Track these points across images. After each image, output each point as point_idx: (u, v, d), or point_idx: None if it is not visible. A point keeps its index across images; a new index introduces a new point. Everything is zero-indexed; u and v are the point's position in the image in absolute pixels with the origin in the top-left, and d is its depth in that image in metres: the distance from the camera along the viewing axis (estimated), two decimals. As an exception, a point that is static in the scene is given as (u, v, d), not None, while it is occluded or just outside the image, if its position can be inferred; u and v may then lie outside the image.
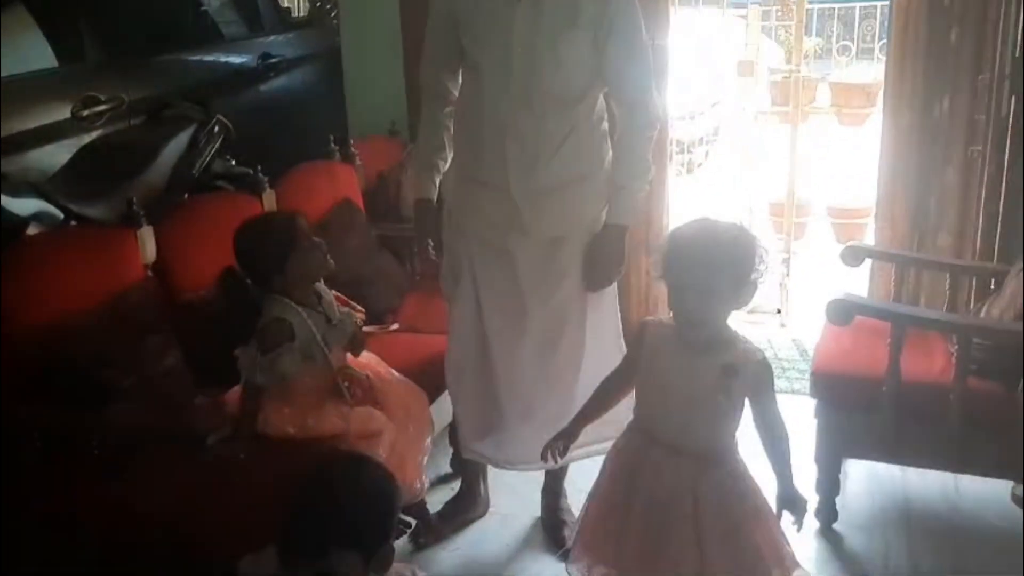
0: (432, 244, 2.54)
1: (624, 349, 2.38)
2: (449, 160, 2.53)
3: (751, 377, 1.86)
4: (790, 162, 4.43)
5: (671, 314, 1.91)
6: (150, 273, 2.43)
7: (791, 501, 1.88)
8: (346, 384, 2.29)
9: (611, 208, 2.38)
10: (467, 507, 2.75)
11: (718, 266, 1.81)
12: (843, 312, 2.48)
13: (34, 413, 1.98)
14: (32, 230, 2.52)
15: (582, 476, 2.70)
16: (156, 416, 2.05)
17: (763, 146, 5.23)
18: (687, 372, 1.86)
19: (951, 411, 2.40)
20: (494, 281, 2.44)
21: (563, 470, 2.66)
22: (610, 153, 2.43)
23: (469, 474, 2.77)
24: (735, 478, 1.94)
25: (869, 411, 2.49)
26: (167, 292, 2.44)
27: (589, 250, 2.40)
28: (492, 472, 2.76)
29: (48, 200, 2.55)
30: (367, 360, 2.47)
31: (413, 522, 2.60)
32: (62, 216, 2.60)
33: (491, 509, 2.79)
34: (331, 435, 2.21)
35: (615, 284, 2.50)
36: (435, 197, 2.57)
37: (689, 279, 1.82)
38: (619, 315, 2.56)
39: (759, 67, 4.93)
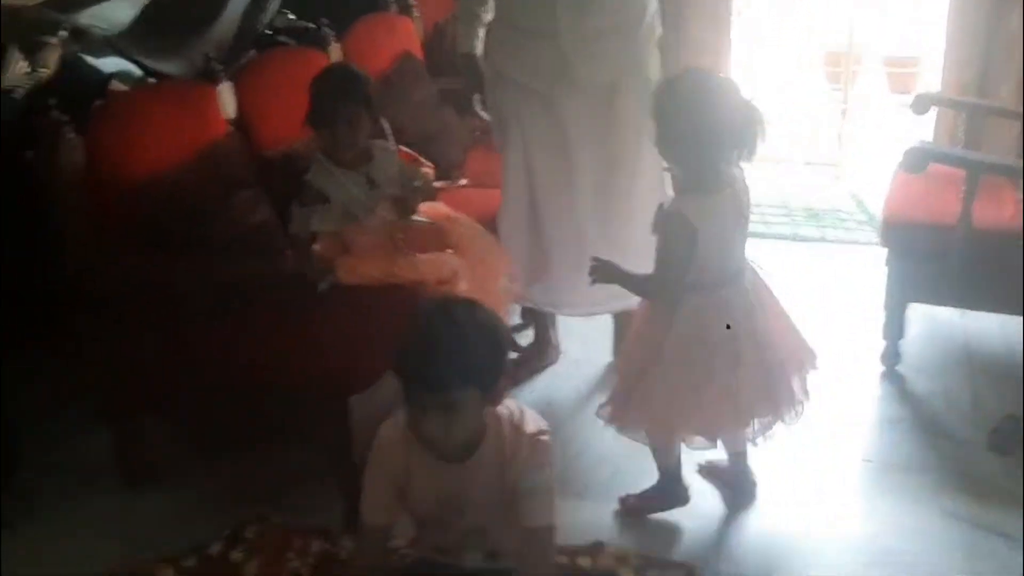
0: (479, 99, 2.56)
1: None
2: (491, 9, 2.51)
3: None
4: (850, 8, 4.31)
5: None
6: (232, 128, 2.46)
7: None
8: (400, 236, 2.34)
9: None
10: (539, 354, 2.86)
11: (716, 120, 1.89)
12: (920, 160, 2.49)
13: (137, 262, 2.06)
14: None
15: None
16: (255, 265, 2.12)
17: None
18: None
19: (1019, 255, 2.44)
20: (541, 132, 2.46)
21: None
22: (655, 2, 2.41)
23: (539, 323, 2.87)
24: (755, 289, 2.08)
25: (939, 257, 2.53)
26: (250, 147, 2.48)
27: None
28: (565, 321, 2.86)
29: (124, 56, 2.57)
30: (433, 208, 2.52)
31: None
32: (140, 73, 2.61)
33: (563, 355, 2.89)
34: (411, 281, 2.29)
35: None
36: (478, 49, 2.57)
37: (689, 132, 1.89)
38: None
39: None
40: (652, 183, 2.48)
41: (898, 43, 5.63)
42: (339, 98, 2.26)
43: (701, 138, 1.92)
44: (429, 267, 2.31)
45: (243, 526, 2.10)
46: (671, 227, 1.97)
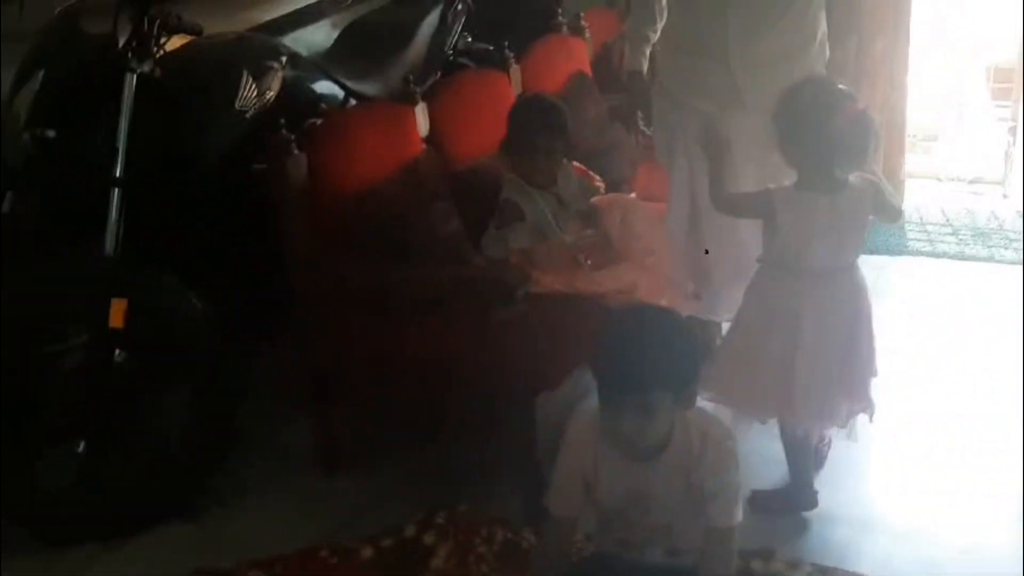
0: (642, 117, 2.66)
1: None
2: (659, 31, 2.61)
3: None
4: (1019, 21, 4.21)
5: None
6: (427, 145, 2.67)
7: None
8: (583, 256, 2.49)
9: None
10: None
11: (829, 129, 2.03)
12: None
13: (353, 269, 2.28)
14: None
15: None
16: (453, 270, 2.32)
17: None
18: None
19: None
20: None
21: None
22: (824, 24, 2.45)
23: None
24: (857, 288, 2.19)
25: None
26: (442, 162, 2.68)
27: None
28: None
29: (331, 79, 2.82)
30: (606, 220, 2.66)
31: None
32: (342, 94, 2.86)
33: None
34: (592, 293, 2.44)
35: None
36: (645, 69, 2.67)
37: None
38: None
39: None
40: None
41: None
42: (540, 131, 2.44)
43: (814, 145, 2.06)
44: (608, 280, 2.46)
45: (434, 512, 2.29)
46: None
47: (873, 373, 2.25)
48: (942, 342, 3.08)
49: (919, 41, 4.95)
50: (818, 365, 2.15)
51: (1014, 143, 4.33)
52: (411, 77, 2.70)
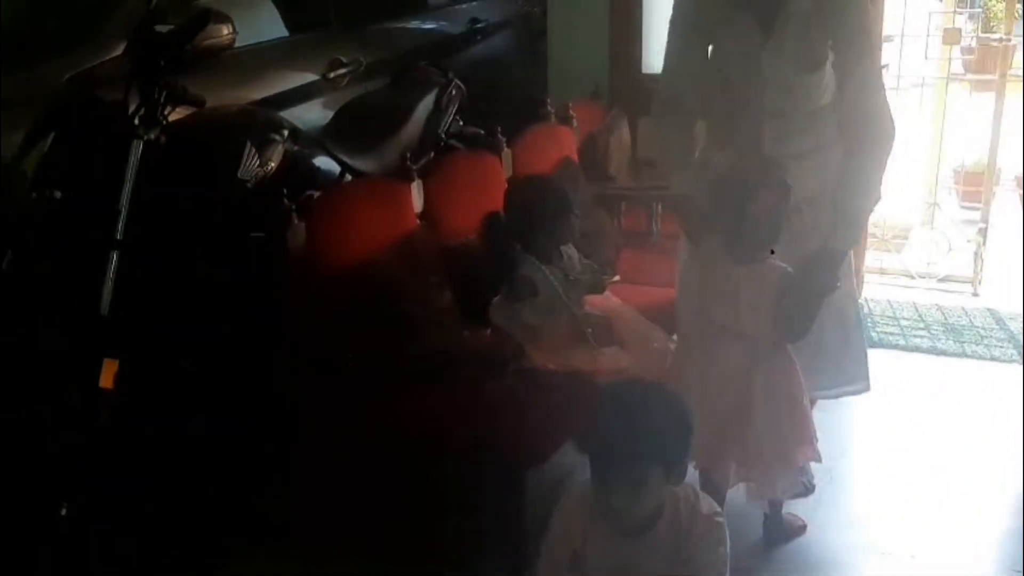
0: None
1: None
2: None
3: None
4: (993, 129, 4.42)
5: None
6: (422, 221, 2.74)
7: None
8: (590, 331, 2.55)
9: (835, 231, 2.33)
10: None
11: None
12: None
13: (349, 340, 2.32)
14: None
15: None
16: (445, 344, 2.35)
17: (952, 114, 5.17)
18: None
19: None
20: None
21: None
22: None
23: None
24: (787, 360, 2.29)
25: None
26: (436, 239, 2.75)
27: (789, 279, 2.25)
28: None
29: (330, 155, 2.89)
30: (606, 301, 2.72)
31: None
32: (338, 170, 2.93)
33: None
34: (585, 372, 2.48)
35: None
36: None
37: None
38: None
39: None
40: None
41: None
42: (553, 210, 2.51)
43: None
44: (605, 360, 2.50)
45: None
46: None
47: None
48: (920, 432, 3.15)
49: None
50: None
51: (983, 244, 4.48)
52: (408, 155, 2.78)
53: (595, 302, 2.67)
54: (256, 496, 2.54)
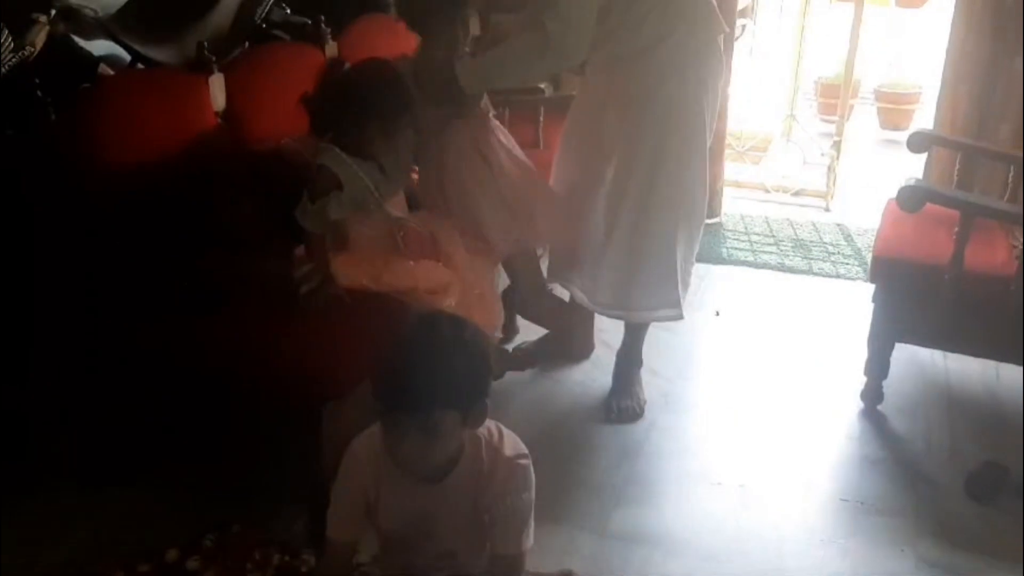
0: None
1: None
2: None
3: None
4: (850, 41, 4.31)
5: None
6: (221, 121, 2.41)
7: None
8: (402, 234, 2.29)
9: None
10: (566, 344, 2.92)
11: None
12: (916, 199, 2.46)
13: (128, 252, 2.00)
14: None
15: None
16: (241, 263, 2.07)
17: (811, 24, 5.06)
18: None
19: (1009, 302, 2.42)
20: None
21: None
22: None
23: (574, 311, 2.80)
24: None
25: (928, 298, 2.51)
26: (238, 141, 2.42)
27: None
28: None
29: (116, 41, 2.50)
30: (429, 217, 2.47)
31: None
32: (129, 58, 2.55)
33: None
34: (402, 289, 2.24)
35: None
36: None
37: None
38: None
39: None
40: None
41: (892, 77, 5.67)
42: (386, 102, 2.21)
43: None
44: (422, 274, 2.26)
45: (202, 534, 2.04)
46: None
47: None
48: (757, 350, 3.07)
49: (749, 49, 5.04)
50: None
51: (837, 158, 4.42)
52: (206, 44, 2.42)
53: (428, 220, 2.42)
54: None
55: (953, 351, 2.77)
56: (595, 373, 2.86)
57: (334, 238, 2.25)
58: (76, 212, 1.98)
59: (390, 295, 2.19)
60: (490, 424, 1.68)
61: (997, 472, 2.41)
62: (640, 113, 2.41)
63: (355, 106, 2.19)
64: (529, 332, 2.97)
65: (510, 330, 3.00)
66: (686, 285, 2.58)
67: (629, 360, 2.76)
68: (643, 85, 2.40)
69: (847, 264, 3.75)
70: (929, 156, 3.54)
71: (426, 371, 1.49)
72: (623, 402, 2.67)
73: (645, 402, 2.67)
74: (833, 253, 3.86)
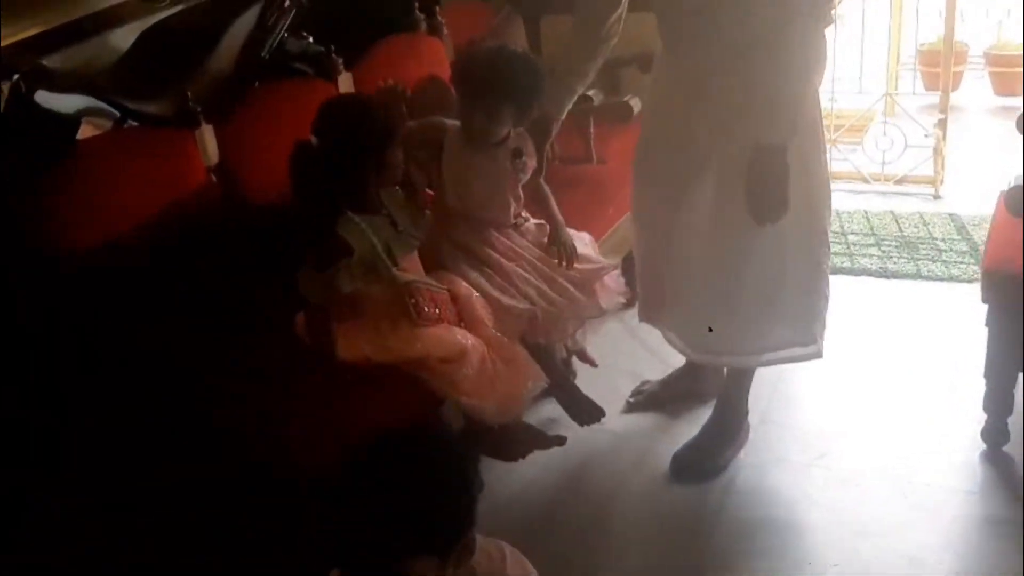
0: None
1: None
2: None
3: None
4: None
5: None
6: (213, 177, 2.17)
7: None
8: (413, 301, 1.99)
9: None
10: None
11: (506, 93, 2.10)
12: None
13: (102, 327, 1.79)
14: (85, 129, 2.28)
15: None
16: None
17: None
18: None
19: None
20: None
21: None
22: None
23: None
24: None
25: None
26: (234, 198, 2.18)
27: None
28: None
29: (99, 97, 2.30)
30: (449, 277, 2.16)
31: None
32: (118, 114, 2.34)
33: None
34: (411, 358, 1.95)
35: None
36: None
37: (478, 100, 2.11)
38: None
39: None
40: None
41: (1003, 37, 5.04)
42: (356, 143, 1.94)
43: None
44: (433, 341, 1.96)
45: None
46: None
47: None
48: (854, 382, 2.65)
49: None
50: None
51: (943, 137, 3.90)
52: (189, 94, 2.19)
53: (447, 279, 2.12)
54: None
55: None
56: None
57: (339, 307, 1.98)
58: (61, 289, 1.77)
59: (397, 366, 1.90)
60: (489, 547, 1.37)
61: None
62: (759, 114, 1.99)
63: (340, 144, 1.93)
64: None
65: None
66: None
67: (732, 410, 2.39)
68: (762, 83, 1.97)
69: (962, 264, 3.26)
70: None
71: (376, 517, 1.19)
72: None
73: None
74: (945, 250, 3.37)
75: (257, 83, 2.66)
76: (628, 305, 2.58)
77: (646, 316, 2.45)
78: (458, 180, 2.21)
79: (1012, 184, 2.06)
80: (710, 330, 2.17)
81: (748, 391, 2.38)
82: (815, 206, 2.14)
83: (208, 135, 2.19)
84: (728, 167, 2.05)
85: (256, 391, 1.84)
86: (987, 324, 2.19)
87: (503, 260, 2.20)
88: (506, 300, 2.14)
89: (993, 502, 2.13)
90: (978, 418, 2.30)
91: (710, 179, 2.10)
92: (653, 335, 2.49)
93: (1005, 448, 2.27)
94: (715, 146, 2.07)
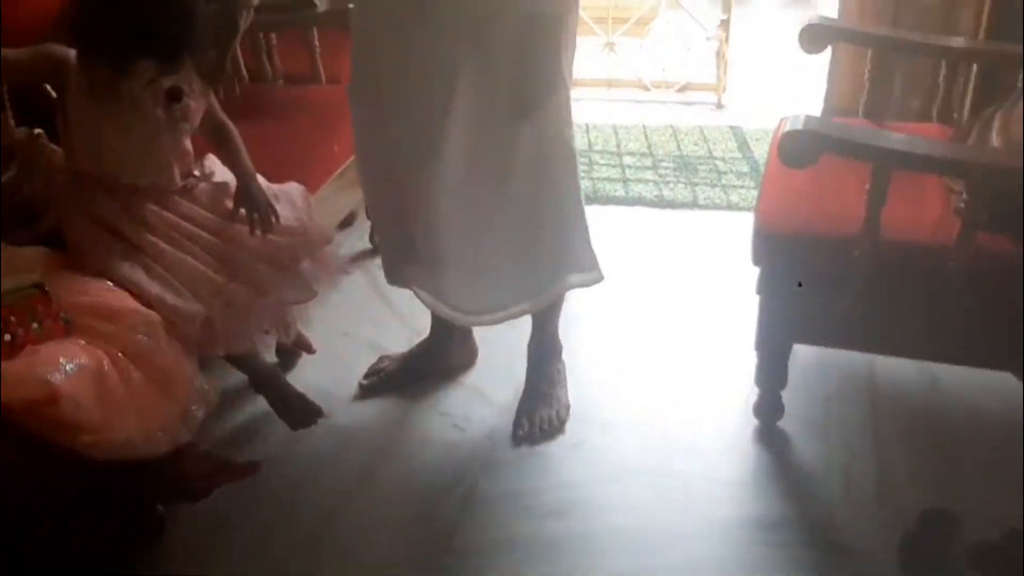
0: None
1: None
2: None
3: None
4: None
5: None
6: None
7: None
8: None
9: None
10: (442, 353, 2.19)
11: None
12: (805, 150, 1.67)
13: None
14: None
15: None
16: None
17: None
18: None
19: (948, 281, 1.68)
20: None
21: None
22: None
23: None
24: None
25: (833, 283, 1.76)
26: None
27: None
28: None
29: None
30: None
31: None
32: None
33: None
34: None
35: None
36: None
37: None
38: None
39: None
40: None
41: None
42: None
43: None
44: (12, 382, 1.38)
45: None
46: None
47: None
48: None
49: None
50: None
51: (726, 40, 3.58)
52: None
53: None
54: None
55: (872, 351, 2.02)
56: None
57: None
58: None
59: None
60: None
61: (943, 523, 1.71)
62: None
63: None
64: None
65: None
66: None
67: (543, 351, 2.07)
68: None
69: (742, 188, 2.97)
70: (834, 55, 2.72)
71: None
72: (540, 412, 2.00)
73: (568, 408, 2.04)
74: (725, 172, 3.08)
75: None
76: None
77: (394, 277, 2.02)
78: (89, 136, 1.65)
79: (790, 125, 1.70)
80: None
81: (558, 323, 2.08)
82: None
83: None
84: (485, 58, 1.67)
85: None
86: (758, 291, 1.87)
87: (162, 243, 1.67)
88: (171, 299, 1.63)
89: (766, 497, 1.85)
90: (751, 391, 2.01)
91: (461, 82, 1.67)
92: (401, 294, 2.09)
93: (779, 424, 2.00)
94: (468, 31, 1.65)
